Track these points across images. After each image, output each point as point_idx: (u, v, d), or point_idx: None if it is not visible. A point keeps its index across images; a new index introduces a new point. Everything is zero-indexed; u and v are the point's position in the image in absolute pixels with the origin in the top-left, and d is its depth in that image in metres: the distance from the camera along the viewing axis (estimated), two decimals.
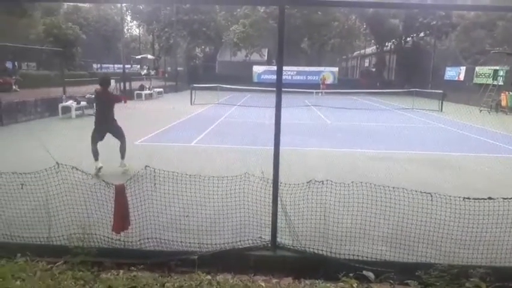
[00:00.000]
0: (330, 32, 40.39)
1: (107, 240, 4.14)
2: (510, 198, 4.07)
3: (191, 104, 21.66)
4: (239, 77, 35.64)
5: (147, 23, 47.77)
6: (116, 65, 55.78)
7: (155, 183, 4.35)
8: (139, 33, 62.85)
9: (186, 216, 4.49)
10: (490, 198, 4.02)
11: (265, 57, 43.21)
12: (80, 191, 4.61)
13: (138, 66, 49.86)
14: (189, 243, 4.13)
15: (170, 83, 34.96)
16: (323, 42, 42.87)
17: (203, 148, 10.22)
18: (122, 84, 23.12)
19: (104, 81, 7.69)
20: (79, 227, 4.15)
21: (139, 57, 44.04)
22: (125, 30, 66.38)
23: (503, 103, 22.20)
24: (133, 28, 70.51)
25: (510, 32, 28.04)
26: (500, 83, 23.81)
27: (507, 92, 22.21)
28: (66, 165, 4.37)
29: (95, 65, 56.64)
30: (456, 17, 35.64)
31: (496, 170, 8.51)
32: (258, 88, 27.53)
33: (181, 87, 33.26)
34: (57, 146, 9.02)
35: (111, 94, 7.61)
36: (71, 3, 43.46)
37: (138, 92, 25.18)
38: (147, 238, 4.15)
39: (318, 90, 31.71)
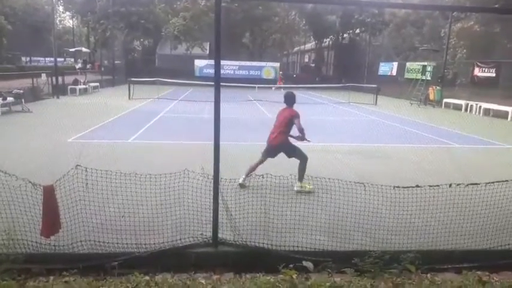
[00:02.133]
0: (270, 27, 40.80)
1: (35, 245, 3.87)
2: (436, 186, 4.37)
3: (129, 98, 20.88)
4: (180, 71, 34.94)
5: (81, 14, 45.18)
6: (47, 58, 52.37)
7: (87, 183, 4.12)
8: (72, 25, 59.41)
9: (122, 216, 4.32)
10: (417, 186, 4.28)
11: (207, 51, 42.70)
12: (3, 193, 4.25)
13: (72, 59, 47.23)
14: (126, 244, 3.98)
15: (107, 77, 33.44)
16: (264, 38, 43.25)
17: (141, 145, 9.89)
18: (53, 78, 21.69)
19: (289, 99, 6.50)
20: (3, 233, 3.83)
21: (73, 50, 41.70)
22: (57, 21, 62.48)
23: (431, 97, 23.83)
24: (66, 19, 66.64)
25: (437, 30, 30.07)
26: (428, 78, 25.48)
27: (434, 87, 23.86)
28: None
29: (23, 58, 52.79)
30: (389, 14, 37.57)
31: (423, 159, 9.11)
32: (200, 82, 27.23)
33: (119, 81, 31.94)
34: None
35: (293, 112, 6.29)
36: None
37: (72, 86, 23.81)
38: (80, 241, 3.94)
39: (275, 86, 32.51)
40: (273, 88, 31.94)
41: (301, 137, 6.28)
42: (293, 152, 6.27)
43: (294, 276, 3.57)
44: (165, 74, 29.27)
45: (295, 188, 5.88)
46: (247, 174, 6.03)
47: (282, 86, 32.20)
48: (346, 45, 44.95)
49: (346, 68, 39.60)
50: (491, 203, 4.54)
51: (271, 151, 6.36)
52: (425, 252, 4.02)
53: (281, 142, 6.24)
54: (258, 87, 30.06)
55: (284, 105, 6.44)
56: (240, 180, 5.94)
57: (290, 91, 6.73)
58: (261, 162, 6.27)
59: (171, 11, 41.18)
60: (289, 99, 6.44)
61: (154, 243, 4.04)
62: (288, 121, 6.19)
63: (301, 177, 5.97)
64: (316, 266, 3.86)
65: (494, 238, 4.33)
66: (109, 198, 4.27)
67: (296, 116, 6.15)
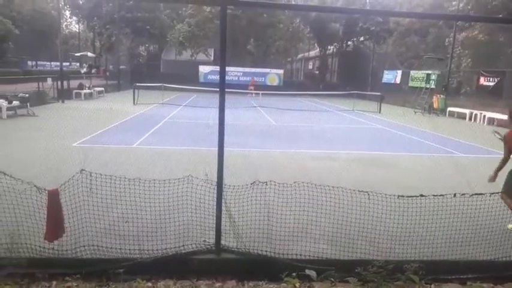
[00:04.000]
0: (275, 34, 41.00)
1: (39, 249, 3.87)
2: (440, 195, 4.35)
3: (134, 103, 20.99)
4: (185, 77, 35.15)
5: (88, 19, 45.62)
6: (53, 63, 52.71)
7: (91, 188, 4.14)
8: (78, 30, 59.84)
9: (126, 221, 4.32)
10: (421, 195, 4.26)
11: (212, 57, 42.94)
12: (8, 197, 4.27)
13: (78, 64, 47.51)
14: (129, 249, 3.98)
15: (112, 82, 33.67)
16: (268, 44, 43.43)
17: (146, 150, 9.93)
18: (59, 83, 21.84)
19: None
20: (7, 237, 3.84)
21: (78, 54, 41.94)
22: (63, 26, 62.96)
23: (435, 105, 23.81)
24: (72, 24, 67.14)
25: (441, 39, 30.12)
26: (433, 86, 25.47)
27: (438, 95, 23.84)
28: None
29: (29, 62, 53.17)
30: (393, 23, 37.69)
31: (428, 168, 9.08)
32: (204, 88, 27.29)
33: (124, 87, 32.16)
34: None
35: None
36: None
37: (77, 91, 23.97)
38: (83, 246, 3.94)
39: (247, 91, 31.59)
40: (253, 94, 31.31)
41: None
42: None
43: (297, 284, 3.57)
44: (170, 79, 29.43)
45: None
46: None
47: (253, 91, 31.60)
48: (350, 53, 45.06)
49: (350, 75, 39.64)
50: (495, 213, 4.52)
51: None
52: (429, 262, 3.99)
53: None
54: (262, 93, 30.06)
55: None
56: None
57: None
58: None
59: (176, 17, 41.51)
60: None
61: (157, 250, 4.03)
62: None
63: None
64: (319, 275, 3.84)
65: (498, 249, 4.30)
66: (113, 203, 4.27)
67: None
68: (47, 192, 3.86)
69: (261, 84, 37.25)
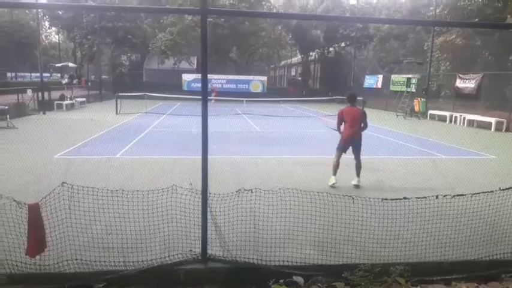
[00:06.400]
0: (257, 41, 41.24)
1: (20, 265, 3.77)
2: (423, 198, 4.41)
3: (117, 113, 20.76)
4: (168, 86, 34.98)
5: (68, 29, 45.09)
6: (33, 74, 51.87)
7: (73, 201, 4.06)
8: (58, 40, 59.10)
9: (109, 234, 4.25)
10: (405, 198, 4.32)
11: (195, 66, 42.89)
12: None
13: (59, 74, 46.84)
14: (114, 262, 3.91)
15: (94, 92, 33.27)
16: (251, 52, 43.65)
17: (129, 160, 9.81)
18: (39, 94, 21.48)
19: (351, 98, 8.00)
20: None
21: (59, 65, 41.39)
22: (43, 36, 62.14)
23: (416, 108, 24.23)
24: (52, 35, 66.29)
25: (420, 44, 30.74)
26: (413, 90, 25.92)
27: (419, 99, 24.28)
28: None
29: (9, 74, 52.20)
30: (373, 29, 38.35)
31: (411, 170, 9.21)
32: (188, 96, 27.21)
33: (106, 96, 31.79)
34: None
35: (360, 111, 7.86)
36: None
37: (59, 102, 23.61)
38: (66, 260, 3.85)
39: (211, 98, 30.61)
40: (212, 101, 30.43)
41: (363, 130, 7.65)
42: (360, 146, 7.57)
43: None
44: (153, 88, 29.27)
45: (354, 183, 7.33)
46: (335, 173, 7.44)
47: (214, 98, 31.09)
48: (332, 59, 45.60)
49: (333, 81, 40.11)
50: (477, 213, 4.60)
51: (349, 144, 7.55)
52: (414, 264, 4.03)
53: (360, 136, 7.59)
54: (246, 100, 30.08)
55: (348, 105, 7.82)
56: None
57: (352, 92, 9.02)
58: (338, 157, 7.55)
59: (158, 25, 41.39)
60: (354, 99, 8.03)
61: (142, 261, 3.98)
62: (361, 118, 7.58)
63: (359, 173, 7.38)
64: (307, 281, 3.84)
65: (482, 248, 4.37)
66: (96, 215, 4.20)
67: (365, 114, 7.70)
68: (27, 206, 3.77)
69: (244, 91, 37.36)
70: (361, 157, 7.61)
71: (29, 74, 54.34)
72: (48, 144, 10.80)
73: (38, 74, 27.28)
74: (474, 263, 4.25)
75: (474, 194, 4.51)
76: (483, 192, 4.56)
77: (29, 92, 20.94)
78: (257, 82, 39.88)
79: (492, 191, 4.55)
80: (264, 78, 41.92)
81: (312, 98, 32.31)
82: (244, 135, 14.67)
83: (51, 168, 8.31)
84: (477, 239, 4.48)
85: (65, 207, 4.13)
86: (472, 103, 21.62)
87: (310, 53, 49.27)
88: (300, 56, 52.93)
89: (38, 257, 3.79)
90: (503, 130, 17.79)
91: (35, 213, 3.75)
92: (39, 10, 29.85)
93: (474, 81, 21.67)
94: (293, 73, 61.54)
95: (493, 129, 17.97)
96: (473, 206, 4.56)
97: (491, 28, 25.33)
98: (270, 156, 10.58)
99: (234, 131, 15.90)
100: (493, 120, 18.22)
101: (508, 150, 11.27)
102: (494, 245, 4.45)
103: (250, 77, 40.58)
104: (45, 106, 21.54)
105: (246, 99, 30.72)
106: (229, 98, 30.49)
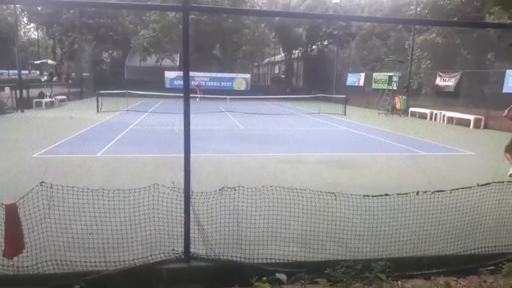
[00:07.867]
0: (241, 39, 41.10)
1: None
2: (404, 194, 4.48)
3: (98, 111, 20.43)
4: (150, 83, 34.56)
5: (47, 25, 44.06)
6: (11, 71, 50.58)
7: (52, 201, 3.97)
8: (37, 37, 57.73)
9: (90, 234, 4.18)
10: (386, 194, 4.37)
11: (177, 63, 42.49)
12: None
13: (38, 72, 45.80)
14: (94, 262, 3.85)
15: (74, 89, 32.62)
16: (235, 49, 43.48)
17: (110, 159, 9.67)
18: (18, 91, 20.95)
19: None
20: None
21: (38, 62, 40.51)
22: (21, 33, 60.57)
23: (398, 106, 24.57)
24: (31, 31, 64.67)
25: (401, 42, 31.18)
26: (395, 88, 26.26)
27: (400, 96, 24.63)
28: None
29: None
30: (355, 27, 38.70)
31: (392, 167, 9.34)
32: (170, 94, 26.91)
33: (87, 94, 31.23)
34: None
35: None
36: None
37: (38, 100, 23.09)
38: (46, 261, 3.78)
39: (196, 96, 29.96)
40: (198, 99, 29.87)
41: None
42: None
43: None
44: (135, 86, 28.83)
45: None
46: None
47: (198, 95, 30.39)
48: (315, 57, 45.79)
49: (316, 79, 40.28)
50: (456, 209, 4.69)
51: None
52: (395, 259, 4.09)
53: None
54: (198, 98, 29.29)
55: None
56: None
57: None
58: None
59: (140, 22, 40.83)
60: None
61: (124, 261, 3.93)
62: None
63: None
64: (290, 278, 3.86)
65: (460, 243, 4.46)
66: (76, 215, 4.13)
67: None
68: (4, 206, 3.68)
69: (228, 88, 37.20)
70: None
71: (7, 71, 52.96)
72: (27, 143, 10.56)
73: (16, 71, 26.56)
74: (453, 258, 4.34)
75: (453, 190, 4.59)
76: (462, 188, 4.66)
77: (7, 89, 20.45)
78: (240, 80, 39.77)
79: (470, 187, 4.65)
80: (248, 75, 41.81)
81: (295, 96, 32.42)
82: (227, 133, 14.62)
83: (29, 167, 8.13)
84: (456, 234, 4.57)
85: (44, 207, 4.05)
86: (451, 101, 22.04)
87: (293, 51, 49.38)
88: (283, 54, 53.01)
89: (15, 258, 3.71)
90: (482, 127, 18.20)
91: (12, 214, 3.67)
92: (17, 6, 29.02)
93: (453, 79, 22.09)
94: (276, 71, 61.60)
95: (471, 126, 18.36)
96: (453, 201, 4.65)
97: (470, 27, 25.88)
98: (253, 154, 10.58)
99: (217, 128, 15.84)
100: (471, 117, 18.62)
101: (486, 146, 11.54)
102: (473, 239, 4.55)
103: (234, 75, 40.43)
104: (24, 104, 21.04)
105: (230, 96, 30.60)
106: (212, 96, 30.27)
